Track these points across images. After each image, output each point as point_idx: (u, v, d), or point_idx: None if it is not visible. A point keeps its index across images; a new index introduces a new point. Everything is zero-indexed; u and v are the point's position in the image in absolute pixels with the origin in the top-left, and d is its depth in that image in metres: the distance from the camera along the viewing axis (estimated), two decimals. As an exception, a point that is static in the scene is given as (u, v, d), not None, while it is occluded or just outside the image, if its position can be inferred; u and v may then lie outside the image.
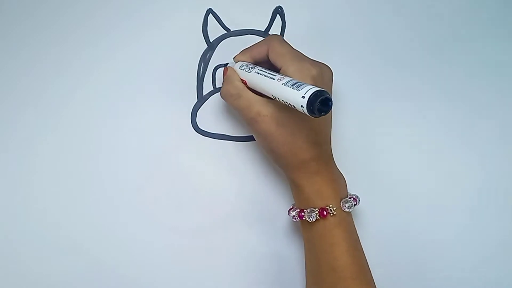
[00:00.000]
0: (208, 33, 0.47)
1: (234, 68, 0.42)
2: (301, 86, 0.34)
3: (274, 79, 0.37)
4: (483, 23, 0.48)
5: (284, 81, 0.36)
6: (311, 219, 0.39)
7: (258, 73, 0.39)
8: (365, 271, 0.40)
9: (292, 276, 0.46)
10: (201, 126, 0.47)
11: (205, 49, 0.47)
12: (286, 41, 0.41)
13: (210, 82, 0.47)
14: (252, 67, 0.40)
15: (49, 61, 0.46)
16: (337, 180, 0.41)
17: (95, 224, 0.46)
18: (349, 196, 0.41)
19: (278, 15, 0.47)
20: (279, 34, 0.47)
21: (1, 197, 0.45)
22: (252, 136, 0.47)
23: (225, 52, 0.47)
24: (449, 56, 0.48)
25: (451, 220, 0.47)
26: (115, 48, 0.46)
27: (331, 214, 0.39)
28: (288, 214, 0.42)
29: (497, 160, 0.47)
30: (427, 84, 0.48)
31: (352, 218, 0.41)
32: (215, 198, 0.46)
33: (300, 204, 0.41)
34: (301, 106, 0.33)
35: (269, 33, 0.47)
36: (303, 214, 0.40)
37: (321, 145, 0.40)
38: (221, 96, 0.42)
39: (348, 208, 0.40)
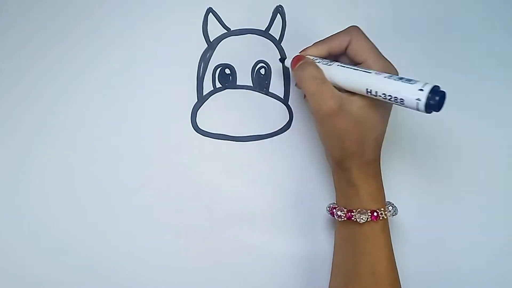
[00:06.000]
0: (208, 32, 0.47)
1: None
2: (412, 81, 0.33)
3: (370, 73, 0.36)
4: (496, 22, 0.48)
5: (385, 75, 0.35)
6: (361, 220, 0.39)
7: (344, 66, 0.37)
8: (398, 279, 0.40)
9: (293, 275, 0.46)
10: (201, 126, 0.46)
11: (205, 49, 0.47)
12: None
13: (210, 82, 0.47)
14: (331, 61, 0.38)
15: (48, 62, 0.46)
16: (383, 186, 0.41)
17: (95, 223, 0.46)
18: (389, 203, 0.41)
19: (278, 14, 0.47)
20: (279, 33, 0.47)
21: (1, 197, 0.45)
22: (252, 136, 0.47)
23: (225, 52, 0.47)
24: (458, 53, 0.48)
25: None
26: (115, 48, 0.46)
27: (381, 218, 0.39)
28: (330, 213, 0.41)
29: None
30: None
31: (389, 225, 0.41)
32: (215, 198, 0.46)
33: (348, 203, 0.40)
34: (417, 99, 0.32)
35: (269, 32, 0.47)
36: (352, 214, 0.39)
37: (380, 147, 0.40)
38: (298, 78, 0.39)
39: (391, 214, 0.40)
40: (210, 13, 0.47)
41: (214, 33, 0.47)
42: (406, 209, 0.45)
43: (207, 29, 0.47)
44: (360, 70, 0.37)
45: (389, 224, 0.40)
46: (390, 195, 0.41)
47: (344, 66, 0.38)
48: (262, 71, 0.47)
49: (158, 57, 0.46)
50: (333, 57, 0.40)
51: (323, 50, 0.40)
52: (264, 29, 0.47)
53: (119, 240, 0.46)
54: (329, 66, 0.38)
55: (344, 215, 0.40)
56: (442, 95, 0.33)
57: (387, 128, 0.40)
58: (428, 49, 0.48)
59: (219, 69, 0.46)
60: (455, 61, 0.48)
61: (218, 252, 0.46)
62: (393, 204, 0.41)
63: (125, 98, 0.46)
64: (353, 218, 0.39)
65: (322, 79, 0.38)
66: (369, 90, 0.36)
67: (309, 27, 0.47)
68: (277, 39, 0.47)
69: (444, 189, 0.48)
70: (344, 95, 0.37)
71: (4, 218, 0.45)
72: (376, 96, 0.35)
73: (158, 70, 0.46)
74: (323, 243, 0.46)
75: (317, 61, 0.39)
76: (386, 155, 0.46)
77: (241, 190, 0.47)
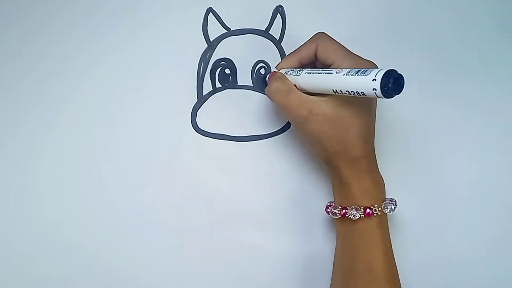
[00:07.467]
0: (208, 32, 0.47)
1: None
2: (367, 71, 0.33)
3: (331, 73, 0.36)
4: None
5: (344, 72, 0.35)
6: (355, 217, 0.39)
7: (310, 72, 0.38)
8: (397, 276, 0.40)
9: (293, 275, 0.46)
10: (201, 126, 0.46)
11: (205, 49, 0.47)
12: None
13: (210, 82, 0.47)
14: (299, 70, 0.40)
15: (48, 62, 0.46)
16: (381, 181, 0.41)
17: (95, 223, 0.46)
18: (389, 199, 0.41)
19: (278, 14, 0.47)
20: (279, 33, 0.47)
21: (1, 197, 0.46)
22: (252, 136, 0.47)
23: (225, 52, 0.47)
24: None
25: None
26: (115, 48, 0.46)
27: (375, 215, 0.39)
28: (326, 211, 0.42)
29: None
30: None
31: (387, 221, 0.41)
32: (215, 198, 0.46)
33: (342, 201, 0.41)
34: (373, 89, 0.32)
35: (269, 32, 0.47)
36: (346, 211, 0.40)
37: (370, 142, 0.40)
38: (268, 93, 0.40)
39: (389, 210, 0.40)
40: (210, 13, 0.47)
41: (214, 33, 0.47)
42: (406, 205, 0.45)
43: (207, 29, 0.47)
44: (323, 73, 0.37)
45: (389, 220, 0.40)
46: (390, 191, 0.41)
47: (310, 72, 0.38)
48: (262, 71, 0.47)
49: (158, 57, 0.46)
50: (308, 65, 0.41)
51: (294, 61, 0.41)
52: (264, 29, 0.47)
53: (119, 240, 0.46)
54: (297, 75, 0.39)
55: (338, 212, 0.40)
56: (396, 78, 0.32)
57: (375, 122, 0.40)
58: (427, 49, 0.48)
59: (219, 69, 0.46)
60: (454, 60, 0.48)
61: (218, 252, 0.46)
62: (393, 200, 0.41)
63: (125, 98, 0.46)
64: (347, 215, 0.39)
65: (289, 90, 0.39)
66: (334, 90, 0.36)
67: (309, 27, 0.47)
68: (277, 39, 0.47)
69: (445, 185, 0.48)
70: (314, 98, 0.38)
71: (4, 218, 0.45)
72: (343, 93, 0.35)
73: (158, 70, 0.46)
74: (322, 243, 0.47)
75: (288, 73, 0.40)
76: (387, 151, 0.46)
77: (241, 190, 0.47)
